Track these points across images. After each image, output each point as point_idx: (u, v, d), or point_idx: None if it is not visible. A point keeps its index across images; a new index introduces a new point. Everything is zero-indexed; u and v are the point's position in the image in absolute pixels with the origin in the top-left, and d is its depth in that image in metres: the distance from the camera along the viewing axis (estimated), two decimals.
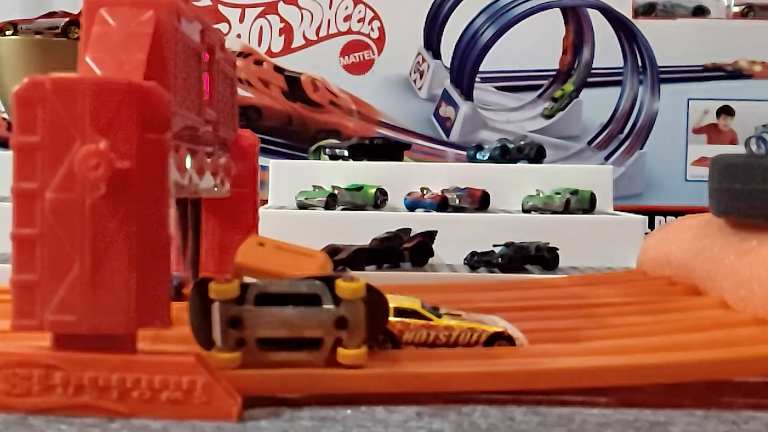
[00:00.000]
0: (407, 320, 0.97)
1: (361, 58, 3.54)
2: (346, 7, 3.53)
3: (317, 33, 3.54)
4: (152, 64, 0.85)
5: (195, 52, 1.00)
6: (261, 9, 3.53)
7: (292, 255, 1.05)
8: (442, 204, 2.08)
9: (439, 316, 0.99)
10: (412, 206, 2.12)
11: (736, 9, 3.59)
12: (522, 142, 2.43)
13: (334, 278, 0.88)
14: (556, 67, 3.57)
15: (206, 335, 0.87)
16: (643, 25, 3.52)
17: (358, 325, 0.87)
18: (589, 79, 3.56)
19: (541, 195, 2.12)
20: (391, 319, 0.96)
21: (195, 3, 1.23)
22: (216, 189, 1.14)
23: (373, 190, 2.12)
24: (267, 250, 1.05)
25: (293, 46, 3.54)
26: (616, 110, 3.56)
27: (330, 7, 3.53)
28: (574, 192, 2.12)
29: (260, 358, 0.87)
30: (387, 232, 1.84)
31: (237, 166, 1.26)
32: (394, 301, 0.98)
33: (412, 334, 0.97)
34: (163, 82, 0.85)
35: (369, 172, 2.20)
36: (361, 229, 1.87)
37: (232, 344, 0.87)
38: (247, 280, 0.92)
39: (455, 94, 3.57)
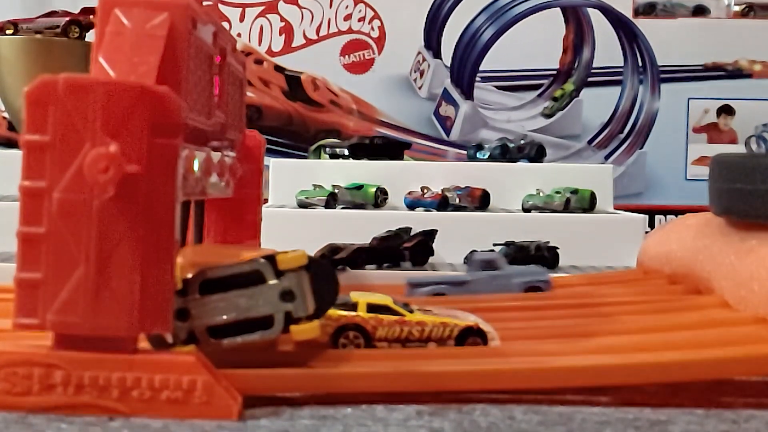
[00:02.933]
0: (380, 316, 0.98)
1: (362, 57, 3.54)
2: (347, 7, 3.53)
3: (317, 32, 3.54)
4: (165, 68, 0.85)
5: (207, 54, 1.00)
6: (261, 8, 3.53)
7: (234, 250, 1.04)
8: (442, 203, 2.08)
9: (411, 311, 0.99)
10: (412, 205, 2.12)
11: (737, 8, 3.59)
12: (522, 142, 2.43)
13: (275, 254, 0.88)
14: (557, 66, 3.57)
15: (163, 344, 0.87)
16: (644, 25, 3.52)
17: (304, 296, 0.87)
18: (590, 79, 3.57)
19: (541, 194, 2.12)
20: (364, 315, 0.97)
21: None
22: (223, 187, 1.14)
23: (374, 189, 2.13)
24: (206, 248, 1.04)
25: (293, 45, 3.54)
26: (616, 109, 3.56)
27: (330, 7, 3.54)
28: (575, 191, 2.12)
29: (214, 347, 0.86)
30: (387, 231, 1.85)
31: (242, 167, 1.26)
32: (365, 298, 0.99)
33: (385, 330, 0.97)
34: (176, 86, 0.85)
35: (369, 172, 2.20)
36: (362, 228, 1.87)
37: (182, 338, 0.86)
38: None
39: (455, 94, 3.57)
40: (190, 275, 0.87)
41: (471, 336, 0.99)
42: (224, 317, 0.87)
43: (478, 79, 3.56)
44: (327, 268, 0.90)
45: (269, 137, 3.59)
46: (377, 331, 0.97)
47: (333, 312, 0.96)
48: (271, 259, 0.88)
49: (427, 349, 0.97)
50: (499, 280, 1.36)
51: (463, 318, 1.00)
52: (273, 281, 0.87)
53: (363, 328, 0.97)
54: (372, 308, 0.98)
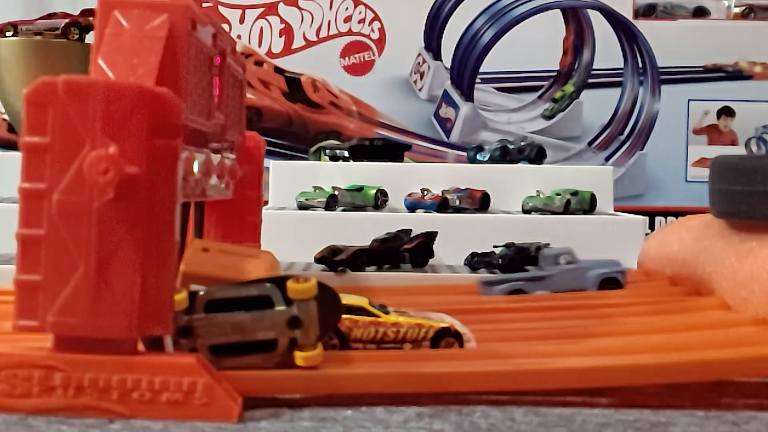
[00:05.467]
0: (355, 317, 0.98)
1: (362, 59, 3.54)
2: (347, 8, 3.53)
3: (317, 34, 3.54)
4: (165, 69, 0.85)
5: (207, 56, 1.00)
6: (261, 10, 3.53)
7: (239, 258, 1.03)
8: (442, 205, 2.08)
9: (387, 313, 0.99)
10: (412, 207, 2.12)
11: (737, 10, 3.59)
12: (522, 143, 2.43)
13: (284, 279, 0.88)
14: (557, 68, 3.57)
15: (158, 347, 0.87)
16: (644, 26, 3.52)
17: (311, 324, 0.87)
18: (590, 80, 3.56)
19: (541, 196, 2.12)
20: None
21: None
22: (223, 188, 1.14)
23: (374, 191, 2.12)
24: (212, 255, 1.03)
25: (293, 47, 3.54)
26: (616, 111, 3.56)
27: (330, 8, 3.53)
28: (575, 193, 2.12)
29: (214, 365, 0.86)
30: (387, 233, 1.84)
31: (242, 169, 1.26)
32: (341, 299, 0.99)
33: (360, 331, 0.97)
34: (175, 88, 0.85)
35: (369, 173, 2.20)
36: (362, 229, 1.87)
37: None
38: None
39: (455, 95, 3.57)
40: (193, 288, 0.88)
41: (446, 337, 0.99)
42: (228, 338, 0.87)
43: (478, 80, 3.56)
44: (332, 294, 0.91)
45: (269, 139, 3.58)
46: (352, 332, 0.97)
47: None
48: (280, 284, 0.88)
49: (427, 350, 0.97)
50: (575, 274, 1.36)
51: (439, 319, 1.00)
52: (281, 307, 0.87)
53: (338, 329, 0.97)
54: (347, 309, 0.98)
